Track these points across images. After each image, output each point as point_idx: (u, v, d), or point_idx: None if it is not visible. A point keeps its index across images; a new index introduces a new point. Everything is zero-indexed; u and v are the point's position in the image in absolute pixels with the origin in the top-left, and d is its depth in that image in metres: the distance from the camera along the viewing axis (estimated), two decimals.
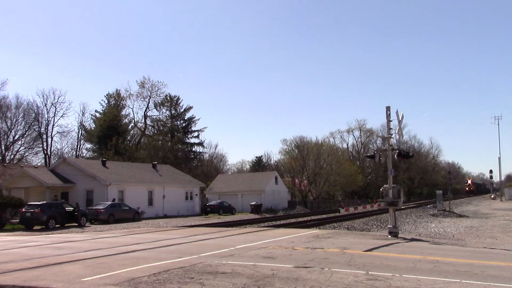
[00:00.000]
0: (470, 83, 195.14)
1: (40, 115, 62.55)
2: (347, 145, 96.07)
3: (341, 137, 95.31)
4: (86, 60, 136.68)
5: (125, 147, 65.71)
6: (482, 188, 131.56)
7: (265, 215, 46.86)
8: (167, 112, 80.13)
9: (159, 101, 76.33)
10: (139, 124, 75.07)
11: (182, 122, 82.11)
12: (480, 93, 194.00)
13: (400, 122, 19.54)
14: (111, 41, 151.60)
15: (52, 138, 64.19)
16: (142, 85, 71.28)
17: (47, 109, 63.29)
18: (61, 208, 30.12)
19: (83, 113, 71.32)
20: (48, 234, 23.78)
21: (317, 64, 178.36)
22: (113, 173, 43.23)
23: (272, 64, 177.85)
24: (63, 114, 79.26)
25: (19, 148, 59.97)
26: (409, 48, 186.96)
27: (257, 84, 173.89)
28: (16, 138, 59.18)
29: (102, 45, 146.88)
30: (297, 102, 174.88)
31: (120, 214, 35.58)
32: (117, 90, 76.07)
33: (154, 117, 77.49)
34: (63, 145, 69.97)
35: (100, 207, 34.83)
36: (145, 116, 73.94)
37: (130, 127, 76.03)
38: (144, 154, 68.36)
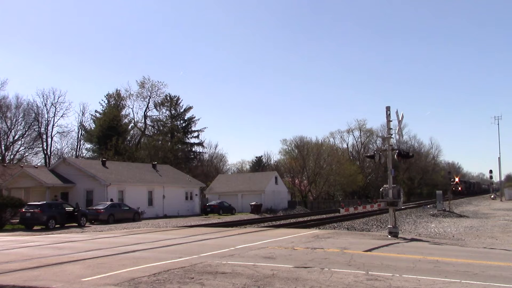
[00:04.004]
0: (470, 83, 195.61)
1: (40, 115, 62.68)
2: (347, 145, 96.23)
3: (341, 137, 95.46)
4: (86, 60, 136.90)
5: (125, 147, 65.72)
6: (476, 187, 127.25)
7: (265, 215, 46.85)
8: (167, 112, 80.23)
9: (159, 101, 76.47)
10: (139, 124, 75.22)
11: (182, 122, 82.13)
12: (480, 93, 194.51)
13: (400, 122, 19.54)
14: (111, 41, 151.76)
15: (52, 138, 64.34)
16: (142, 85, 71.44)
17: (47, 109, 63.43)
18: (61, 208, 30.11)
19: (83, 113, 71.48)
20: (48, 234, 23.78)
21: (317, 64, 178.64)
22: (113, 173, 43.24)
23: (272, 64, 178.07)
24: (63, 114, 79.39)
25: (19, 148, 60.09)
26: (409, 48, 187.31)
27: (257, 84, 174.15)
28: (16, 138, 59.27)
29: (102, 45, 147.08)
30: (297, 102, 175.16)
31: (120, 214, 35.58)
32: (117, 90, 76.26)
33: (154, 117, 77.65)
34: (63, 145, 70.06)
35: (100, 207, 34.82)
36: (145, 116, 74.10)
37: (130, 127, 76.07)
38: (144, 154, 68.35)
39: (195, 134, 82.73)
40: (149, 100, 72.70)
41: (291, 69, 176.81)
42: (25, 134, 60.11)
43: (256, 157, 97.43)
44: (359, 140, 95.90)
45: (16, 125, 59.20)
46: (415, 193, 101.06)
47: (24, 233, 25.59)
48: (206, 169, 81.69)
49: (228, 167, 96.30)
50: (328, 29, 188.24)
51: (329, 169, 75.81)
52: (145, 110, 73.48)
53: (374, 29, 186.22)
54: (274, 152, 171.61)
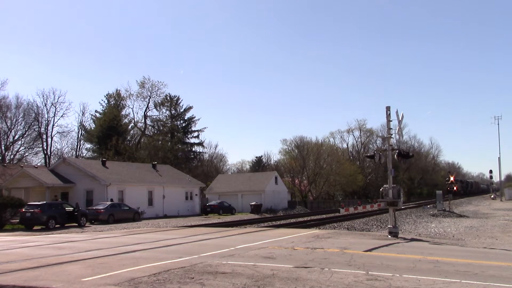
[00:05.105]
0: (470, 83, 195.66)
1: (40, 115, 62.63)
2: (347, 145, 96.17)
3: (341, 137, 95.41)
4: (86, 60, 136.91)
5: (125, 147, 65.70)
6: (474, 187, 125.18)
7: (265, 215, 46.86)
8: (167, 112, 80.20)
9: (159, 101, 76.41)
10: (139, 124, 75.19)
11: (182, 122, 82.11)
12: (480, 93, 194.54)
13: (400, 122, 19.55)
14: (111, 41, 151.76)
15: (52, 138, 64.30)
16: (142, 85, 71.40)
17: (47, 109, 63.39)
18: (61, 208, 30.11)
19: (83, 113, 71.44)
20: (48, 234, 23.78)
21: (317, 64, 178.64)
22: (113, 173, 43.23)
23: (272, 64, 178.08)
24: (63, 114, 79.36)
25: (19, 148, 60.04)
26: (409, 48, 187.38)
27: (257, 84, 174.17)
28: (16, 138, 59.22)
29: (102, 45, 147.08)
30: (297, 102, 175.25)
31: (120, 214, 35.57)
32: (117, 90, 76.29)
33: (154, 117, 77.61)
34: (63, 145, 69.99)
35: (100, 207, 34.82)
36: (145, 116, 74.04)
37: (130, 127, 76.07)
38: (144, 154, 68.35)
39: (195, 134, 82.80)
40: (149, 100, 72.78)
41: (291, 69, 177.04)
42: (25, 134, 60.12)
43: (256, 157, 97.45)
44: (359, 140, 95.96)
45: (16, 125, 59.23)
46: (415, 193, 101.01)
47: (24, 233, 25.59)
48: (206, 169, 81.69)
49: (228, 167, 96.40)
50: (328, 29, 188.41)
51: (329, 169, 75.81)
52: (145, 110, 73.56)
53: (374, 29, 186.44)
54: (274, 152, 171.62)
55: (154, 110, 76.44)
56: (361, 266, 10.26)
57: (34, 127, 61.56)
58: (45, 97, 65.70)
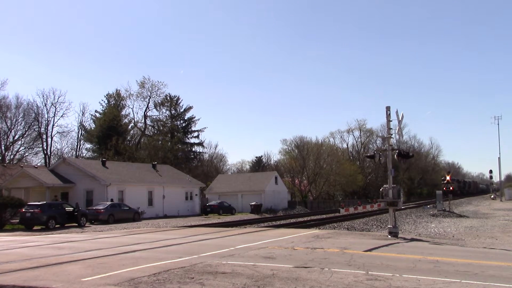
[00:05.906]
0: (470, 83, 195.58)
1: (40, 115, 62.56)
2: (347, 145, 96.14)
3: (341, 137, 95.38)
4: (86, 60, 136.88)
5: (125, 147, 65.70)
6: (473, 187, 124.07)
7: (265, 215, 46.87)
8: (167, 112, 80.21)
9: (159, 101, 76.45)
10: (139, 124, 75.21)
11: (182, 122, 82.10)
12: (480, 93, 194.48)
13: (400, 122, 19.56)
14: (111, 41, 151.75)
15: (52, 138, 64.24)
16: (142, 85, 71.44)
17: (47, 109, 63.32)
18: (61, 208, 30.11)
19: (83, 113, 71.40)
20: (48, 234, 23.78)
21: (317, 64, 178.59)
22: (113, 173, 43.22)
23: (272, 64, 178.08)
24: (63, 114, 79.20)
25: (19, 148, 59.93)
26: (409, 48, 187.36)
27: (257, 84, 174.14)
28: (16, 138, 59.13)
29: (102, 45, 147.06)
30: (297, 102, 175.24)
31: (120, 214, 35.58)
32: (117, 90, 76.30)
33: (154, 117, 77.63)
34: (63, 145, 69.90)
35: (100, 207, 34.82)
36: (145, 116, 74.07)
37: (130, 127, 76.07)
38: (144, 154, 68.35)
39: (195, 134, 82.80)
40: (149, 100, 72.82)
41: (291, 69, 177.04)
42: (25, 134, 60.03)
43: (256, 157, 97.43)
44: (359, 140, 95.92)
45: (16, 125, 59.13)
46: (415, 193, 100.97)
47: (24, 233, 25.59)
48: (206, 169, 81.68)
49: (228, 167, 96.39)
50: (328, 30, 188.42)
51: (329, 169, 75.80)
52: (145, 110, 73.60)
53: (374, 29, 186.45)
54: (274, 152, 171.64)
55: (154, 110, 76.62)
56: (361, 266, 10.26)
57: (34, 127, 61.55)
58: (45, 97, 65.68)
